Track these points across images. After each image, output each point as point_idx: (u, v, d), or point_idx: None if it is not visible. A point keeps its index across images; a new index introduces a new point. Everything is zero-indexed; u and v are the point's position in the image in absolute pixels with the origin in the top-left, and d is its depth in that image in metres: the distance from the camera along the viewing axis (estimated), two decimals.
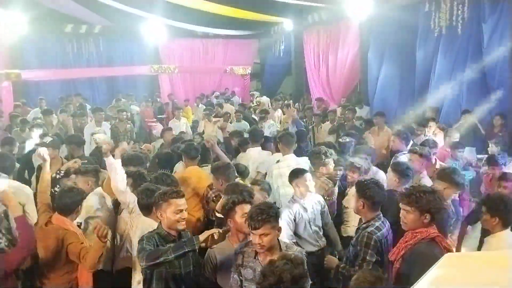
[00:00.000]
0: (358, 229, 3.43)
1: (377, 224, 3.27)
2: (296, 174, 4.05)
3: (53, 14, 13.10)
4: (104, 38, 16.10)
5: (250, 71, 16.05)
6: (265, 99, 14.56)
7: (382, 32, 10.94)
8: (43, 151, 3.90)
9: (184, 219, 3.06)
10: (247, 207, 3.07)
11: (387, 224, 3.37)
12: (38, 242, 3.28)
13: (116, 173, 3.78)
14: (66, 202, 3.38)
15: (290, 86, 17.11)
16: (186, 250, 2.84)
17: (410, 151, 4.98)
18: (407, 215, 2.89)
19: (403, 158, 5.32)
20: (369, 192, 3.27)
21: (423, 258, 2.69)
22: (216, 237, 2.89)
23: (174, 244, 2.87)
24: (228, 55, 18.26)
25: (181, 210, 3.03)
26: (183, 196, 3.10)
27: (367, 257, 3.16)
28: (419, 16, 9.62)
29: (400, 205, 2.96)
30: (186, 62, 17.32)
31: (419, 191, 2.87)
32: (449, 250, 2.70)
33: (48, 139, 5.26)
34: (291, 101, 13.78)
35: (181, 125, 10.13)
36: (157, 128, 9.92)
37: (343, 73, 13.01)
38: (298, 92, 15.83)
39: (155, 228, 3.12)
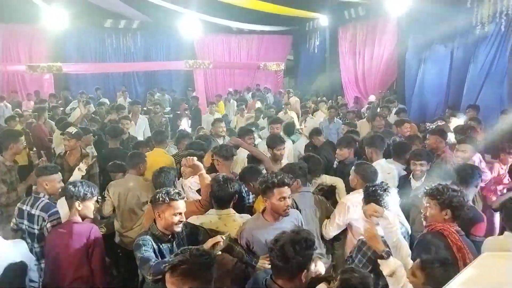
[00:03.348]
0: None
1: None
2: None
3: (93, 9, 13.49)
4: (142, 33, 16.50)
5: (283, 68, 15.98)
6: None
7: (421, 29, 10.64)
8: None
9: (181, 222, 2.93)
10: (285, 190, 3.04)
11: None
12: None
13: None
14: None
15: (324, 83, 16.91)
16: None
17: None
18: (428, 210, 2.90)
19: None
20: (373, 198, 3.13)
21: (421, 245, 2.80)
22: (222, 243, 2.81)
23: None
24: (262, 51, 18.29)
25: (180, 213, 2.91)
26: (183, 198, 3.00)
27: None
28: (460, 12, 9.31)
29: (423, 200, 2.97)
30: (220, 58, 17.49)
31: (442, 187, 2.89)
32: (457, 246, 2.68)
33: (73, 130, 5.38)
34: (324, 97, 13.60)
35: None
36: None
37: (379, 70, 12.78)
38: (332, 89, 15.64)
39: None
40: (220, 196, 3.35)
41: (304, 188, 3.82)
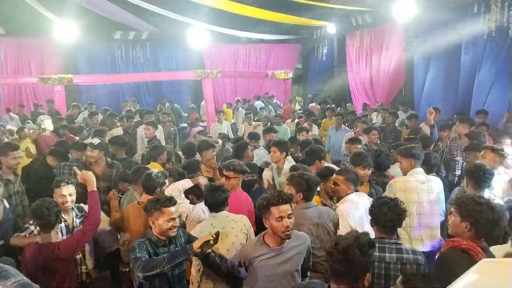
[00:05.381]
0: None
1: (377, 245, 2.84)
2: None
3: (103, 21, 13.69)
4: (151, 44, 16.70)
5: (292, 76, 16.02)
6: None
7: (428, 35, 10.59)
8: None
9: (176, 226, 3.02)
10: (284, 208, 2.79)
11: (398, 250, 2.91)
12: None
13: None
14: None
15: (332, 91, 16.92)
16: (181, 259, 2.85)
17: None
18: (451, 217, 2.83)
19: None
20: (378, 212, 2.94)
21: (444, 264, 2.65)
22: (211, 242, 2.84)
23: (168, 254, 2.86)
24: (270, 59, 18.38)
25: (173, 218, 2.99)
26: (175, 203, 3.05)
27: None
28: (467, 18, 9.27)
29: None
30: (228, 67, 17.59)
31: (467, 197, 2.77)
32: None
33: (96, 141, 5.45)
34: (333, 105, 13.61)
35: (222, 128, 10.25)
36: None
37: (387, 77, 12.72)
38: (341, 96, 15.64)
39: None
40: (210, 203, 3.51)
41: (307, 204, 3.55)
